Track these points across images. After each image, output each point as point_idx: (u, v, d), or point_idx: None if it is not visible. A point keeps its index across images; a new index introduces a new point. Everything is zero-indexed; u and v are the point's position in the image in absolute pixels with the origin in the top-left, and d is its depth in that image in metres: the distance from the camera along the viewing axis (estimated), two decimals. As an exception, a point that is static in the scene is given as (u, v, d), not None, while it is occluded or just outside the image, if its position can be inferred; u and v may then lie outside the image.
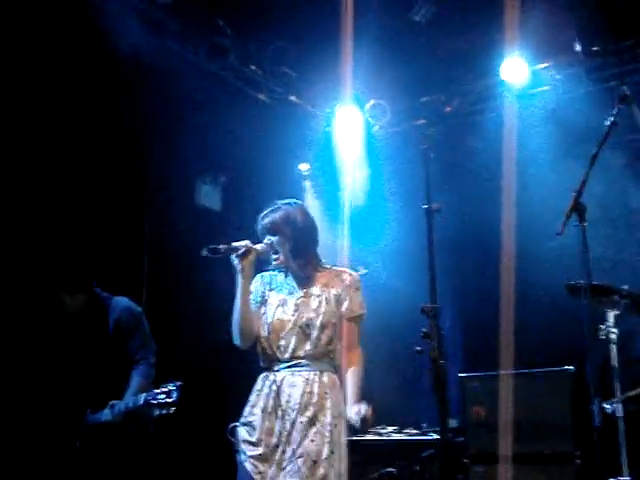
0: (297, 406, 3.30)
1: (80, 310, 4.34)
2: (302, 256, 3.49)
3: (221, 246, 3.42)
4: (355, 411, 3.31)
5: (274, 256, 3.49)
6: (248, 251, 3.41)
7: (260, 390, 3.41)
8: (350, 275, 3.56)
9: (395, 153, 7.05)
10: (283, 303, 3.48)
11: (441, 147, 6.33)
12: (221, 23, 5.82)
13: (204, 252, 3.38)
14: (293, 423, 3.29)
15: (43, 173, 5.21)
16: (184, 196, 6.36)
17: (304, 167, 7.22)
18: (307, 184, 7.26)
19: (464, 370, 5.82)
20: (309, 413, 3.30)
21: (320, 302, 3.45)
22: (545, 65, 6.48)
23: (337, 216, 6.30)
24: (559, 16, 5.97)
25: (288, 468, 3.24)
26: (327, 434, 3.28)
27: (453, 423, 5.75)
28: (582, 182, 3.76)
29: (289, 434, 3.27)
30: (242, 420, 3.41)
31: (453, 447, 5.57)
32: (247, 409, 3.42)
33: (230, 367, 5.80)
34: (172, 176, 6.15)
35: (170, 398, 3.82)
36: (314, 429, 3.28)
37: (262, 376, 3.45)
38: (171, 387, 3.84)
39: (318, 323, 3.41)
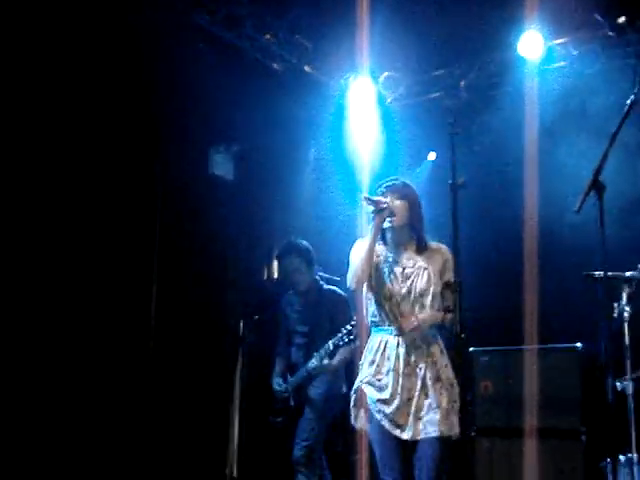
0: (423, 364, 3.72)
1: (306, 289, 5.33)
2: (417, 227, 3.87)
3: (374, 198, 3.81)
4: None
5: (388, 218, 3.81)
6: (385, 208, 3.78)
7: (382, 351, 3.79)
8: (447, 249, 3.83)
9: (408, 126, 7.00)
10: (392, 271, 3.84)
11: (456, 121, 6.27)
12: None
13: (363, 199, 3.78)
14: (423, 379, 3.69)
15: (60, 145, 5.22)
16: (197, 165, 6.35)
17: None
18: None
19: (474, 345, 5.84)
20: (434, 371, 3.72)
21: (429, 273, 3.78)
22: (562, 40, 6.40)
23: (351, 188, 6.28)
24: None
25: (425, 418, 3.65)
26: (448, 388, 3.71)
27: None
28: (601, 160, 3.73)
29: (420, 389, 3.68)
30: (367, 380, 3.80)
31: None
32: (366, 369, 3.83)
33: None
34: (185, 145, 6.12)
35: (351, 335, 4.90)
36: (439, 384, 3.70)
37: (378, 338, 3.83)
38: (349, 327, 4.91)
39: (429, 292, 3.76)
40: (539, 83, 6.33)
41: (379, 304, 3.83)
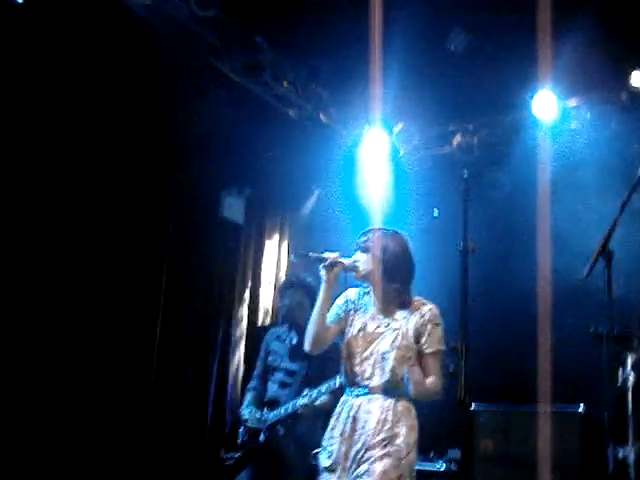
0: (371, 431, 3.37)
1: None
2: (388, 281, 3.52)
3: (311, 253, 3.58)
4: None
5: (356, 271, 3.55)
6: (335, 263, 3.51)
7: (339, 414, 3.51)
8: (431, 309, 3.54)
9: (421, 179, 7.04)
10: (364, 328, 3.54)
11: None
12: (258, 40, 5.84)
13: (292, 257, 3.52)
14: (367, 447, 3.35)
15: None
16: (209, 207, 6.40)
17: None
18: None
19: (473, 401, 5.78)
20: (383, 438, 3.36)
21: (397, 335, 3.48)
22: (577, 101, 6.47)
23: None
24: (592, 53, 5.97)
25: None
26: (398, 457, 3.33)
27: (455, 454, 5.74)
28: (610, 228, 3.75)
29: (362, 456, 3.35)
30: (323, 444, 3.52)
31: (458, 478, 5.56)
32: (327, 433, 3.53)
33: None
34: (198, 186, 6.19)
35: None
36: (386, 450, 3.34)
37: (342, 400, 3.55)
38: None
39: (392, 357, 3.44)
40: (553, 143, 6.37)
41: (344, 363, 3.56)
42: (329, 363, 4.64)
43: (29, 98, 4.98)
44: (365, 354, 3.48)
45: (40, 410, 4.93)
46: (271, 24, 5.81)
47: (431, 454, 5.87)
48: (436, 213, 6.85)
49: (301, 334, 4.89)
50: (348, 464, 3.37)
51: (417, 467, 5.52)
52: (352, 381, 3.51)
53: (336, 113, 6.80)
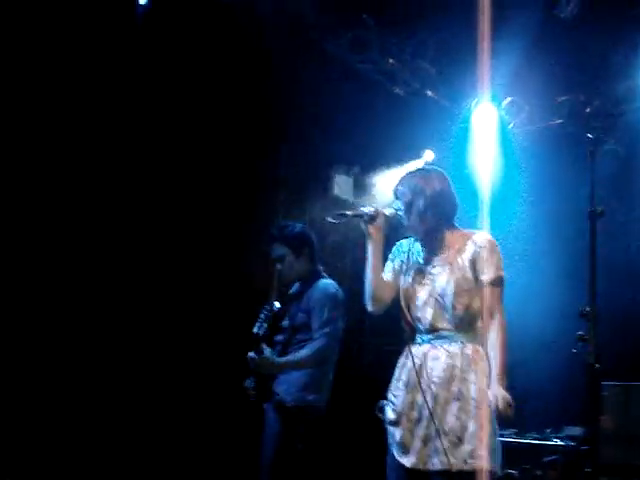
0: (439, 380, 3.17)
1: (296, 280, 4.62)
2: (430, 223, 3.34)
3: (348, 212, 3.42)
4: (492, 397, 3.08)
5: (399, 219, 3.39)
6: (375, 216, 3.34)
7: (403, 364, 3.33)
8: (483, 236, 3.33)
9: (531, 152, 6.92)
10: (418, 272, 3.36)
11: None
12: (365, 17, 5.85)
13: (330, 218, 3.38)
14: (436, 398, 3.16)
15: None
16: (318, 186, 6.45)
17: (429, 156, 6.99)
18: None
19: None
20: (452, 387, 3.16)
21: (452, 269, 3.27)
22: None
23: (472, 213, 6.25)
24: None
25: (431, 446, 3.12)
26: (472, 409, 3.11)
27: (577, 431, 5.62)
28: None
29: (432, 409, 3.14)
30: (388, 397, 3.34)
31: (579, 456, 5.45)
32: (392, 384, 3.36)
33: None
34: (307, 166, 6.26)
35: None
36: (457, 404, 3.13)
37: (406, 349, 3.35)
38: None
39: (450, 292, 3.24)
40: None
41: (404, 312, 3.36)
42: (310, 314, 4.42)
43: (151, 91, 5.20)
44: (423, 298, 3.30)
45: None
46: (377, 1, 5.82)
47: (548, 430, 5.80)
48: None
49: (289, 289, 4.63)
50: (415, 415, 3.19)
51: (534, 442, 5.69)
52: (414, 329, 3.33)
53: (443, 88, 6.75)
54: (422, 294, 3.32)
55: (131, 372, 5.12)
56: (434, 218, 3.34)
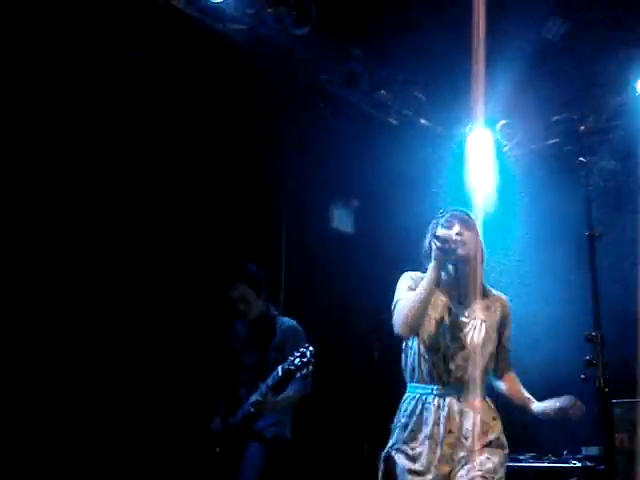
0: (470, 434, 3.12)
1: (255, 319, 4.74)
2: (478, 268, 3.28)
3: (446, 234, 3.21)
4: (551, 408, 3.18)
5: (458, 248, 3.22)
6: (447, 240, 3.17)
7: (417, 414, 3.20)
8: (508, 302, 3.39)
9: (527, 173, 6.94)
10: (445, 321, 3.23)
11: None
12: (355, 51, 5.90)
13: (436, 241, 3.12)
14: (470, 450, 3.11)
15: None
16: (319, 220, 6.48)
17: None
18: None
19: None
20: (485, 439, 3.14)
21: (486, 328, 3.24)
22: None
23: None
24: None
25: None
26: (500, 453, 3.16)
27: (594, 451, 5.59)
28: None
29: (465, 460, 3.10)
30: (398, 447, 3.22)
31: (596, 476, 5.41)
32: (400, 433, 3.23)
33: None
34: (308, 200, 6.29)
35: (305, 357, 4.18)
36: (488, 449, 3.12)
37: (415, 397, 3.23)
38: (302, 350, 4.20)
39: (486, 352, 3.22)
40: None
41: (423, 357, 3.20)
42: (282, 349, 4.50)
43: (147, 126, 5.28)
44: (455, 347, 3.19)
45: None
46: (365, 34, 5.87)
47: (564, 452, 5.77)
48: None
49: (251, 326, 4.73)
50: (447, 469, 3.10)
51: (551, 465, 5.66)
52: (434, 376, 3.18)
53: (437, 115, 6.78)
54: (453, 344, 3.20)
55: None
56: (481, 268, 3.30)
